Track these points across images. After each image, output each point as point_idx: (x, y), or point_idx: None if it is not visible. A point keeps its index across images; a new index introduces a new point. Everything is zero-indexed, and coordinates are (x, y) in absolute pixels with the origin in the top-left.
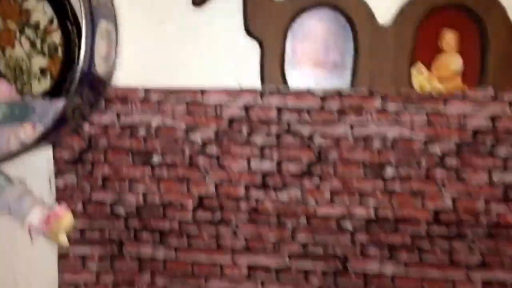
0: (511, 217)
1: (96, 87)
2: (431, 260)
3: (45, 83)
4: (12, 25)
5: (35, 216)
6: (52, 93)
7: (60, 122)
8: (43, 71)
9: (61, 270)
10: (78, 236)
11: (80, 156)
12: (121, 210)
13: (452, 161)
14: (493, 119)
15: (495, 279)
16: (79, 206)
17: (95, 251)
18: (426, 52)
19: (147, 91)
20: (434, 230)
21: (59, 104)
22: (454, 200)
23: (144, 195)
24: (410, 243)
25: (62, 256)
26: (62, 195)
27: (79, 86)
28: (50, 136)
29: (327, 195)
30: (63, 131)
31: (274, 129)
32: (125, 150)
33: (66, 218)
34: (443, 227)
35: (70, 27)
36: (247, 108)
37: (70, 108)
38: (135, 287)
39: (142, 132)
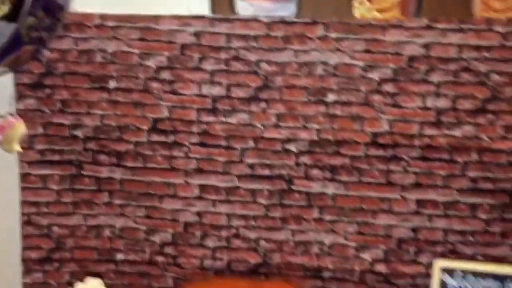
0: (442, 140)
1: (52, 10)
2: (369, 180)
3: (4, 9)
4: None
5: None
6: (11, 17)
7: (16, 43)
8: None
9: (22, 190)
10: (39, 157)
11: (39, 81)
12: (79, 133)
13: (389, 87)
14: (427, 47)
15: (427, 199)
16: (39, 129)
17: (55, 172)
18: None
19: (102, 17)
20: (372, 152)
21: (14, 25)
22: (390, 124)
23: (101, 118)
24: (349, 164)
25: (23, 176)
26: (22, 118)
27: (32, 6)
28: (8, 58)
29: (273, 119)
30: (22, 55)
31: (223, 55)
32: (82, 75)
33: (19, 126)
34: (380, 150)
35: None
36: (198, 35)
37: (23, 28)
38: (94, 206)
39: (98, 57)
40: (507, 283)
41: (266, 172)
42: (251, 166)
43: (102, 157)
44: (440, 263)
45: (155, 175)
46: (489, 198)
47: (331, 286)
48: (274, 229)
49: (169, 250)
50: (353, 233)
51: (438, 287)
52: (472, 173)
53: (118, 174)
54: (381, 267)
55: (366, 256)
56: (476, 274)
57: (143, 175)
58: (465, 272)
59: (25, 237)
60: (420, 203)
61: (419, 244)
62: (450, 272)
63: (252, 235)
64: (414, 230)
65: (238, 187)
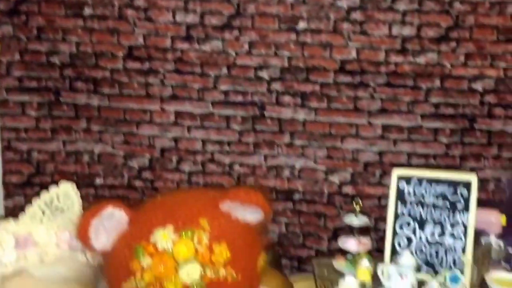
0: (407, 67)
1: None
2: (338, 106)
3: None
4: None
5: None
6: None
7: None
8: None
9: (1, 116)
10: (17, 84)
11: (15, 8)
12: (56, 60)
13: (357, 15)
14: None
15: (392, 124)
16: (17, 56)
17: (34, 99)
18: None
19: None
20: (340, 79)
21: None
22: (358, 51)
23: (77, 45)
24: (319, 91)
25: (2, 103)
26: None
27: None
28: None
29: (246, 46)
30: None
31: None
32: (58, 2)
33: None
34: (348, 76)
35: None
36: None
37: None
38: (72, 132)
39: None
40: (459, 188)
41: (240, 98)
42: (225, 93)
43: (79, 84)
44: (397, 171)
45: (132, 101)
46: (450, 123)
47: (302, 208)
48: (247, 154)
49: (146, 174)
50: (322, 157)
51: (395, 194)
52: (434, 99)
53: (95, 100)
54: (348, 189)
55: (335, 179)
56: (431, 181)
57: (120, 102)
58: (420, 179)
59: (5, 162)
60: (385, 128)
61: (384, 167)
62: (407, 179)
63: (226, 159)
64: (380, 154)
65: (212, 113)
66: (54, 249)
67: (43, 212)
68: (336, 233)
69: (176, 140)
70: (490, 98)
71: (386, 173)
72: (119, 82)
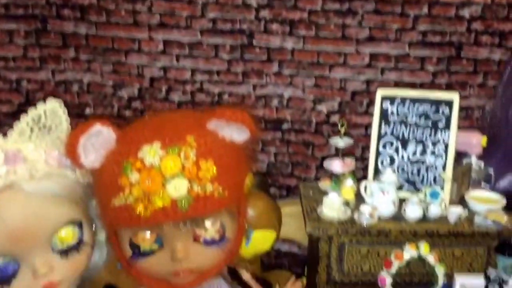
0: None
1: None
2: (326, 35)
3: None
4: None
5: None
6: None
7: None
8: None
9: None
10: (3, 11)
11: None
12: None
13: None
14: None
15: (380, 52)
16: None
17: (21, 27)
18: None
19: None
20: (328, 6)
21: None
22: None
23: None
24: (307, 18)
25: None
26: None
27: None
28: None
29: None
30: None
31: None
32: None
33: None
34: (336, 3)
35: None
36: None
37: None
38: (61, 61)
39: None
40: (442, 107)
41: (228, 26)
42: (213, 21)
43: (66, 11)
44: (381, 92)
45: (120, 30)
46: (437, 51)
47: (290, 137)
48: (236, 83)
49: (136, 104)
50: (310, 86)
51: (379, 113)
52: (422, 26)
53: (82, 29)
54: (336, 118)
55: (322, 108)
56: (414, 100)
57: (108, 30)
58: (404, 99)
59: None
60: (373, 56)
61: (372, 96)
62: (390, 99)
63: (215, 89)
64: (367, 82)
65: (200, 42)
66: (43, 166)
67: (32, 129)
68: (323, 162)
69: (165, 69)
70: (477, 25)
71: (373, 102)
72: (106, 9)
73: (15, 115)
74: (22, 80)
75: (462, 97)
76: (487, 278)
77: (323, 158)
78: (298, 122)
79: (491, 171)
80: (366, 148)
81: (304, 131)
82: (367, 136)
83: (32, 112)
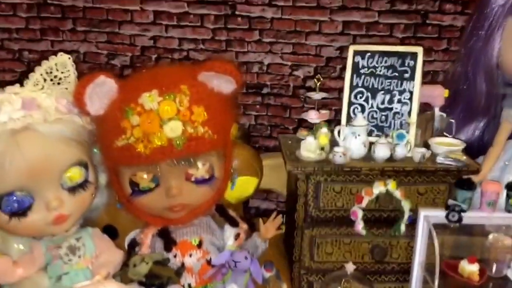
0: None
1: None
2: (302, 4)
3: None
4: None
5: None
6: None
7: None
8: None
9: None
10: None
11: None
12: None
13: None
14: None
15: (352, 20)
16: None
17: (23, 0)
18: None
19: None
20: None
21: None
22: None
23: None
24: None
25: None
26: None
27: None
28: None
29: None
30: None
31: None
32: None
33: None
34: None
35: None
36: None
37: None
38: (59, 33)
39: None
40: (407, 59)
41: None
42: None
43: None
44: (353, 47)
45: (113, 2)
46: (405, 19)
47: (269, 101)
48: (220, 51)
49: (128, 72)
50: (288, 53)
51: (351, 67)
52: None
53: (80, 2)
54: (311, 83)
55: (299, 73)
56: (383, 54)
57: (103, 2)
58: (373, 53)
59: None
60: (345, 24)
61: (344, 62)
62: (361, 53)
63: (201, 57)
64: (340, 49)
65: (188, 13)
66: (54, 112)
67: (44, 80)
68: (300, 124)
69: (155, 38)
70: None
71: (345, 67)
72: None
73: (17, 83)
74: (24, 51)
75: (427, 62)
76: (448, 207)
77: (299, 120)
78: (277, 87)
79: (452, 121)
80: (339, 111)
81: (282, 95)
82: (340, 100)
83: (45, 64)
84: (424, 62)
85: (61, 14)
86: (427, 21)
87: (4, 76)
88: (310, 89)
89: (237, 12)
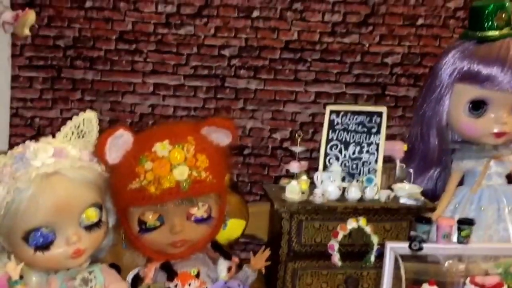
0: (336, 45)
1: None
2: (282, 77)
3: None
4: None
5: (9, 15)
6: None
7: None
8: None
9: (12, 88)
10: (27, 63)
11: (31, 1)
12: (61, 43)
13: (298, 5)
14: None
15: (323, 91)
16: (29, 40)
17: (40, 74)
18: None
19: None
20: (285, 55)
21: None
22: (298, 34)
23: (79, 31)
24: (268, 65)
25: (14, 78)
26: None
27: None
28: None
29: (212, 30)
30: None
31: None
32: None
33: (30, 14)
34: (291, 53)
35: None
36: None
37: None
38: (69, 102)
39: None
40: (374, 117)
41: (205, 72)
42: (194, 68)
43: (78, 62)
44: (330, 107)
45: (119, 76)
46: (367, 90)
47: (250, 160)
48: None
49: None
50: (268, 119)
51: (328, 124)
52: (356, 71)
53: (90, 75)
54: (287, 144)
55: (277, 136)
56: (354, 113)
57: (110, 76)
58: (346, 112)
59: (12, 126)
60: (317, 94)
61: (316, 127)
62: (336, 112)
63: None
64: (313, 115)
65: (183, 85)
66: (78, 160)
67: (72, 133)
68: (276, 181)
69: (153, 106)
70: (397, 70)
71: (317, 132)
72: (111, 60)
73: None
74: (35, 117)
75: (387, 126)
76: (410, 238)
77: (276, 177)
78: (257, 148)
79: (411, 171)
80: (312, 169)
81: (262, 155)
82: (311, 159)
83: (74, 119)
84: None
85: (72, 86)
86: (386, 92)
87: (15, 140)
88: (286, 149)
89: (226, 84)
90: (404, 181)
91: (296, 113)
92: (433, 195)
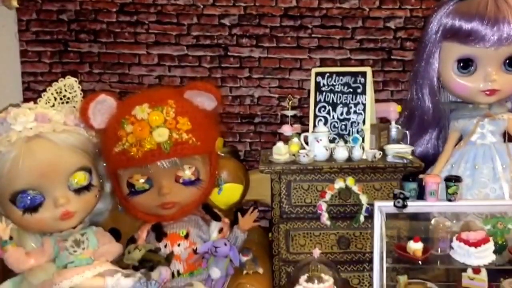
0: (336, 11)
1: None
2: (284, 45)
3: None
4: None
5: None
6: None
7: None
8: None
9: (22, 63)
10: (34, 37)
11: None
12: (64, 17)
13: None
14: None
15: (327, 57)
16: (34, 15)
17: (47, 48)
18: None
19: None
20: (285, 23)
21: None
22: (297, 0)
23: (81, 4)
24: (269, 33)
25: (22, 53)
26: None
27: None
28: None
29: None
30: None
31: None
32: None
33: None
34: (291, 21)
35: None
36: None
37: None
38: (78, 75)
39: None
40: (358, 77)
41: (208, 42)
42: (196, 38)
43: (83, 35)
44: (315, 70)
45: (124, 48)
46: (373, 55)
47: (261, 129)
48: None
49: None
50: (275, 87)
51: (314, 85)
52: (358, 36)
53: (95, 48)
54: (296, 111)
55: (286, 104)
56: (339, 74)
57: (115, 48)
58: (331, 74)
59: (25, 100)
60: (322, 61)
61: None
62: (322, 74)
63: None
64: None
65: (187, 55)
66: (62, 125)
67: (55, 98)
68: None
69: (159, 77)
70: (401, 34)
71: None
72: (114, 32)
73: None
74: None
75: (396, 91)
76: (394, 195)
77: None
78: (267, 116)
79: (407, 132)
80: None
81: (272, 123)
82: None
83: (55, 85)
84: (393, 91)
85: (79, 59)
86: (392, 57)
87: None
88: (295, 116)
89: (229, 53)
90: (401, 142)
91: (303, 81)
92: (434, 158)
